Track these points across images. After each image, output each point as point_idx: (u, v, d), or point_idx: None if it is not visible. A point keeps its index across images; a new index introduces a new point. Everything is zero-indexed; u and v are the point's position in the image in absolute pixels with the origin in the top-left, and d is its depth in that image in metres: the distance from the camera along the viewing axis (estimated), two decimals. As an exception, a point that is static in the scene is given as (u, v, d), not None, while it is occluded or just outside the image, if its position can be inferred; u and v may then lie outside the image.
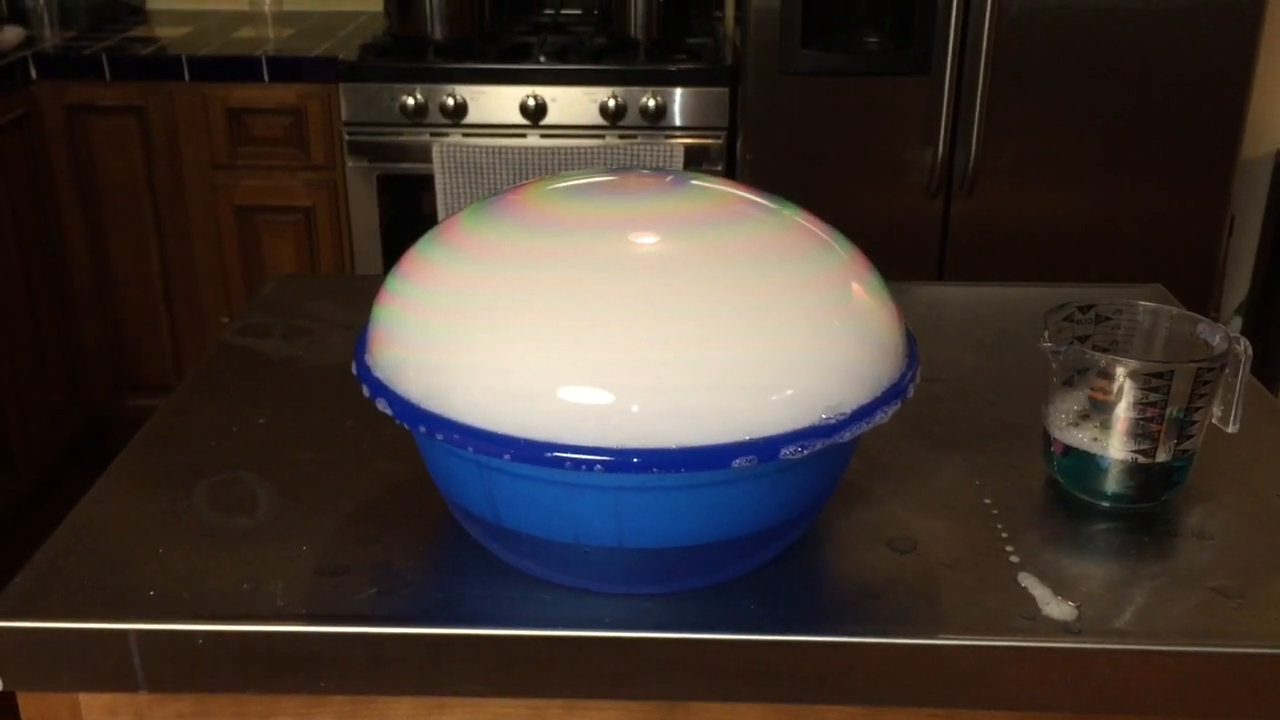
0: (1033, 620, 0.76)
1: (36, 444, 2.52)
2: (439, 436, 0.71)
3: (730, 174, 2.44)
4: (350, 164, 2.48)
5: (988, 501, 0.88)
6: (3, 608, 0.76)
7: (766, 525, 0.76)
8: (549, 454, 0.68)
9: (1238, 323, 3.05)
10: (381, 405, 0.75)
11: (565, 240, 0.75)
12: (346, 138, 2.47)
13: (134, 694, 0.77)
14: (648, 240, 0.75)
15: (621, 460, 0.68)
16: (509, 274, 0.73)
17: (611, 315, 0.70)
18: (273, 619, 0.76)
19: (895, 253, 2.40)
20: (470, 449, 0.70)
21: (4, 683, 0.76)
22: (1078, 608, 0.77)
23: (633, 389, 0.68)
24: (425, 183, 2.44)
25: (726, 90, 2.41)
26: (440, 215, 2.42)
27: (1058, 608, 0.77)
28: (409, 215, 2.51)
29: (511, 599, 0.77)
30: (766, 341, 0.70)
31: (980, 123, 2.27)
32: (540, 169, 2.38)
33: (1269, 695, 0.75)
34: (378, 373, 0.76)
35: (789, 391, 0.70)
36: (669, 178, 0.81)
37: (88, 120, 2.52)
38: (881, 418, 0.73)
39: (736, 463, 0.68)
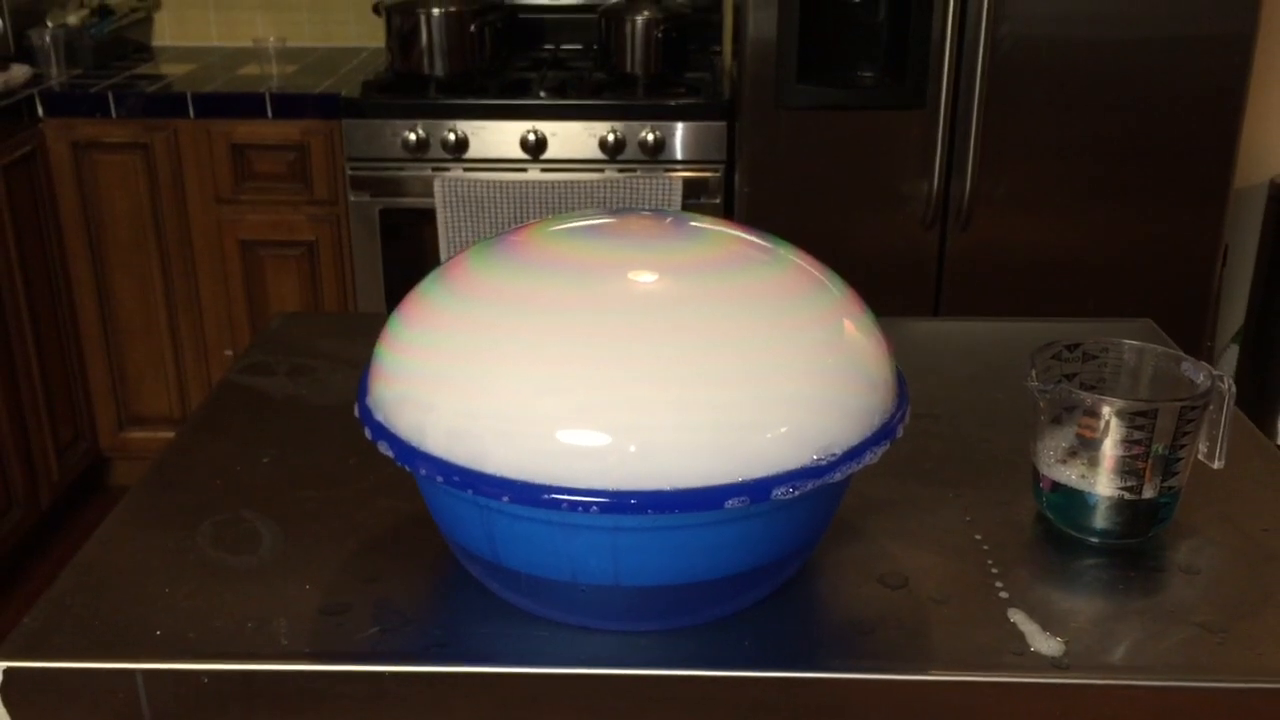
0: (1021, 656, 0.77)
1: (43, 479, 2.54)
2: (439, 479, 0.73)
3: (728, 207, 2.46)
4: (353, 198, 2.51)
5: (978, 537, 0.90)
6: (12, 648, 0.78)
7: (759, 563, 0.77)
8: (547, 496, 0.70)
9: (1234, 351, 3.07)
10: (383, 448, 0.77)
11: (563, 284, 0.76)
12: (349, 173, 2.49)
13: (141, 732, 0.79)
14: (644, 284, 0.76)
15: (618, 502, 0.69)
16: (508, 317, 0.75)
17: (607, 357, 0.72)
18: (277, 658, 0.77)
19: (892, 284, 2.42)
20: (469, 491, 0.72)
21: (13, 721, 0.78)
22: (1066, 643, 0.78)
23: (629, 430, 0.70)
24: (427, 217, 2.47)
25: (724, 124, 2.43)
26: (442, 249, 2.44)
27: (1046, 643, 0.78)
28: (411, 249, 2.54)
29: (510, 636, 0.79)
30: (759, 383, 0.72)
31: (975, 154, 2.30)
32: (541, 203, 2.41)
33: (1254, 728, 0.76)
34: (379, 415, 0.78)
35: (782, 430, 0.71)
36: (668, 220, 0.83)
37: (94, 157, 2.55)
38: (871, 458, 0.75)
39: (729, 503, 0.70)
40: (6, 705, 0.77)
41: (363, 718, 0.78)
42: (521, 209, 2.41)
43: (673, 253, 0.79)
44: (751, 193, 2.39)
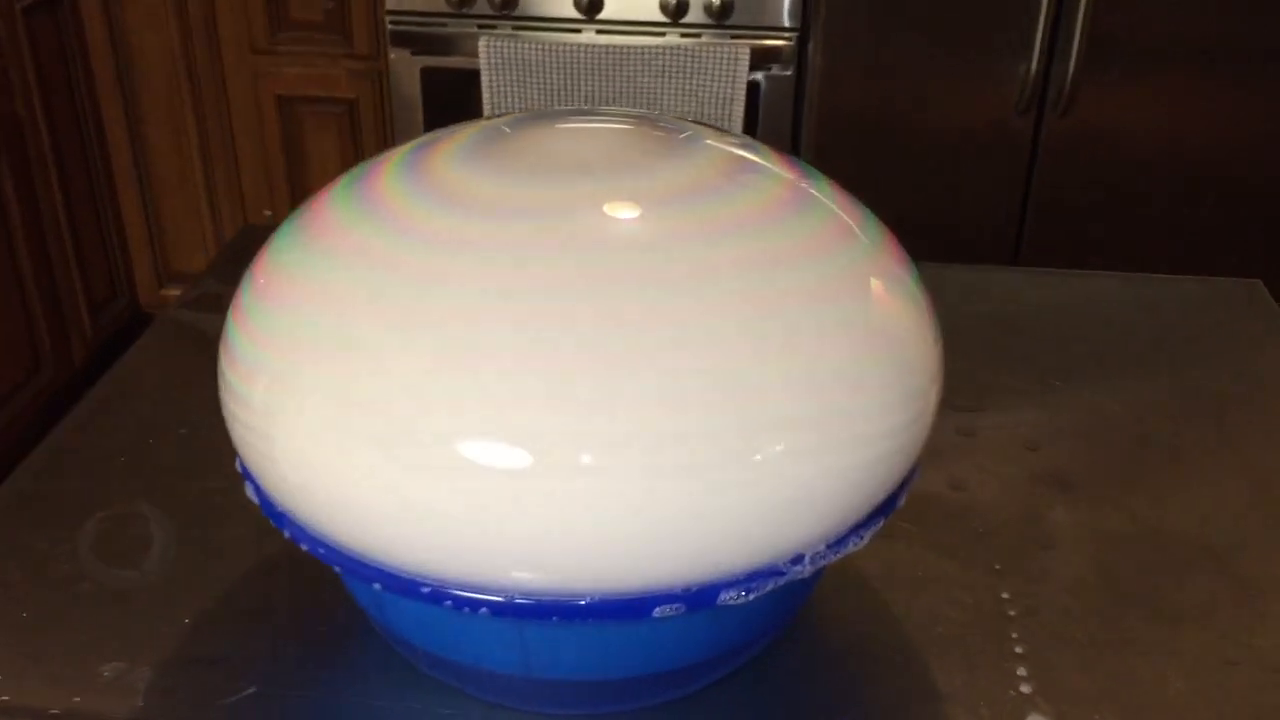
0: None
1: (78, 337, 2.46)
2: (304, 547, 0.58)
3: (800, 80, 2.23)
4: (394, 55, 2.32)
5: (1005, 596, 0.73)
6: None
7: (705, 658, 0.62)
8: (423, 589, 0.55)
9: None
10: (249, 493, 0.62)
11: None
12: (390, 27, 2.30)
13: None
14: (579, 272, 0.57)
15: (511, 605, 0.54)
16: (392, 291, 0.58)
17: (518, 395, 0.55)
18: (127, 723, 0.65)
19: (978, 174, 2.19)
20: (338, 570, 0.57)
21: None
22: (1094, 771, 0.62)
23: (534, 513, 0.54)
24: (471, 78, 2.27)
25: (801, -14, 2.18)
26: (487, 114, 2.25)
27: (1069, 772, 0.62)
28: (454, 111, 2.35)
29: (410, 711, 0.65)
30: (720, 462, 0.55)
31: (1083, 33, 2.03)
32: (594, 70, 2.20)
33: None
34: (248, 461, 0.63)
35: (741, 523, 0.54)
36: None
37: (122, -2, 2.39)
38: (855, 544, 0.58)
39: (658, 611, 0.54)
40: None
41: (229, 798, 0.65)
42: (573, 76, 2.21)
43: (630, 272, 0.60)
44: (826, 65, 2.15)
